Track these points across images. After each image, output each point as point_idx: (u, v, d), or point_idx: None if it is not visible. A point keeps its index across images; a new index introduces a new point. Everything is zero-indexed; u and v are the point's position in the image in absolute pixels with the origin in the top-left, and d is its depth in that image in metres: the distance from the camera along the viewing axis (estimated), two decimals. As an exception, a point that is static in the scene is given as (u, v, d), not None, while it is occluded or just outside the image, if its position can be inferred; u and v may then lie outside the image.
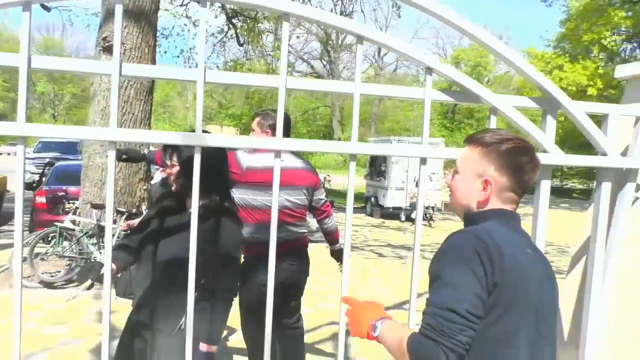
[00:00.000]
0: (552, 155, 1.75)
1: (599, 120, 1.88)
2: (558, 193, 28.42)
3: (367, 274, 7.25)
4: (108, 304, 1.48)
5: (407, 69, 49.26)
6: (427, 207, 13.41)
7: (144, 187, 5.67)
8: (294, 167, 2.98)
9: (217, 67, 18.67)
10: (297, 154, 3.07)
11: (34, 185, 16.21)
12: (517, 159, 1.28)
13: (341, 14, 16.13)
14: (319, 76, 43.59)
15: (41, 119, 47.70)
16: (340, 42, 42.16)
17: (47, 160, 15.38)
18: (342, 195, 17.75)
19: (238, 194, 2.86)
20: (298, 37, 32.67)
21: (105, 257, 1.53)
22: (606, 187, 1.85)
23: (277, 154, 1.59)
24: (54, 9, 12.74)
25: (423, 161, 1.70)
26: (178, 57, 14.27)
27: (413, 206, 13.10)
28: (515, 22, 55.02)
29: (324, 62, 45.31)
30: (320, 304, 5.33)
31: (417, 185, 2.01)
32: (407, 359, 1.11)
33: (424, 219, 13.43)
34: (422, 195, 1.73)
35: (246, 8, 11.68)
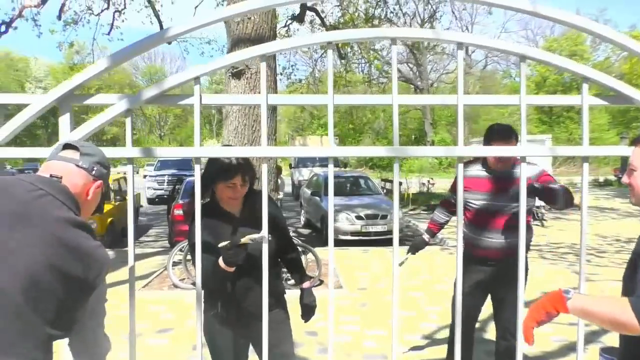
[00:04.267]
0: None
1: None
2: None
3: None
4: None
5: (496, 64, 47.64)
6: (537, 207, 13.02)
7: (277, 197, 6.24)
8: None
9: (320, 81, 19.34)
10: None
11: (156, 200, 17.99)
12: None
13: (430, 17, 16.25)
14: (406, 80, 43.41)
15: (149, 139, 51.93)
16: (427, 44, 41.67)
17: (168, 177, 17.03)
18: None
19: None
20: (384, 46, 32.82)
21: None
22: None
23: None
24: (174, 40, 14.09)
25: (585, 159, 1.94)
26: (281, 74, 15.01)
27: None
28: (611, 4, 51.04)
29: (410, 66, 45.05)
30: (448, 301, 5.59)
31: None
32: (625, 319, 1.27)
33: (535, 219, 13.05)
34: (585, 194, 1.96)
35: (345, 24, 12.19)
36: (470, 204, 3.12)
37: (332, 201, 1.88)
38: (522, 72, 1.91)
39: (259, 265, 1.91)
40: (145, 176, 22.06)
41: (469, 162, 3.19)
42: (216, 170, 2.22)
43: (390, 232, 9.25)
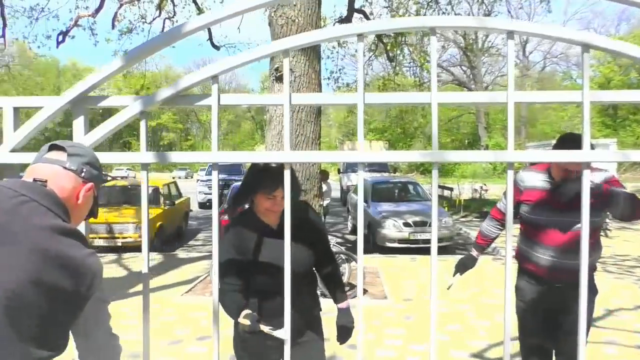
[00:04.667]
0: None
1: None
2: None
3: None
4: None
5: (556, 65, 45.74)
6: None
7: (320, 204, 6.08)
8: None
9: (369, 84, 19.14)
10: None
11: (207, 204, 18.26)
12: None
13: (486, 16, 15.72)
14: (460, 83, 42.39)
15: (204, 144, 53.31)
16: (481, 45, 40.52)
17: (222, 182, 17.33)
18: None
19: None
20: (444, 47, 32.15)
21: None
22: None
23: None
24: (222, 46, 14.34)
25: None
26: (328, 78, 14.91)
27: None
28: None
29: (464, 69, 44.02)
30: (498, 316, 5.23)
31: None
32: None
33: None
34: None
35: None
36: (529, 217, 2.77)
37: (361, 208, 1.68)
38: (584, 64, 1.64)
39: (295, 284, 1.70)
40: (198, 180, 22.68)
41: (530, 169, 2.84)
42: (258, 181, 2.11)
43: (440, 239, 8.90)
